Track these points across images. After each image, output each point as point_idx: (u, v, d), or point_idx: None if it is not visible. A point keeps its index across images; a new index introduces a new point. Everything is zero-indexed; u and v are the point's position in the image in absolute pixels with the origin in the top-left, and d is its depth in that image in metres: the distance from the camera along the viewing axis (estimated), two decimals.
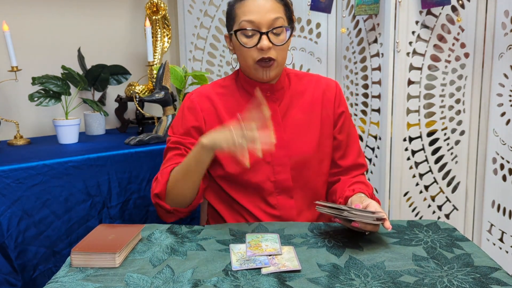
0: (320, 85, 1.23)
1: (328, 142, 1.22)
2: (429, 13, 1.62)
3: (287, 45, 1.13)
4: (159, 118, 1.76)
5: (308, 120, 1.19)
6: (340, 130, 1.23)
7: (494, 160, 1.65)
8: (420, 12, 1.61)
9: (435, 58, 1.66)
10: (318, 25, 1.86)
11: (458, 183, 1.76)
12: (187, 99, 1.20)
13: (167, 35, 2.02)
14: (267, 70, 1.11)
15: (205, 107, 1.18)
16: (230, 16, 1.14)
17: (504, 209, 1.60)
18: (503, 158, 1.59)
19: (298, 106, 1.20)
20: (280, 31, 1.09)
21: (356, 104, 1.84)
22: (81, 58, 1.85)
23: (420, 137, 1.70)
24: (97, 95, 1.94)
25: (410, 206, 1.75)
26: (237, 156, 0.97)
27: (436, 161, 1.74)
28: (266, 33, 1.07)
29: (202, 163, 1.06)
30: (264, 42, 1.07)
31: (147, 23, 1.81)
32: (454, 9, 1.62)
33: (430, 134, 1.72)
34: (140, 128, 1.86)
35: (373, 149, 1.78)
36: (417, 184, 1.73)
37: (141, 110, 1.80)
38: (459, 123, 1.72)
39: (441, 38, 1.65)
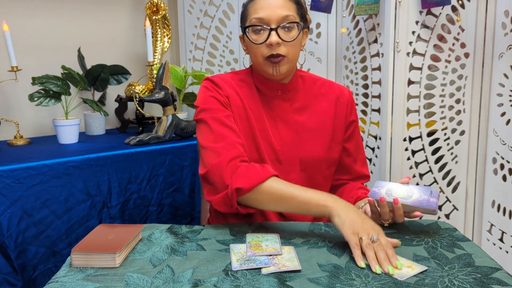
0: (334, 90, 1.24)
1: (338, 148, 1.23)
2: (429, 13, 1.61)
3: (298, 42, 1.13)
4: (159, 118, 1.76)
5: (320, 124, 1.20)
6: (348, 139, 1.25)
7: (494, 160, 1.64)
8: (420, 12, 1.61)
9: (435, 58, 1.66)
10: (318, 25, 1.86)
11: (458, 183, 1.76)
12: (209, 80, 1.16)
13: (167, 35, 2.02)
14: (277, 66, 1.10)
15: (229, 91, 1.15)
16: (243, 16, 1.14)
17: (504, 209, 1.60)
18: (503, 158, 1.59)
19: (311, 110, 1.20)
20: (290, 27, 1.09)
21: (356, 104, 1.84)
22: (81, 58, 1.85)
23: (420, 137, 1.70)
24: (97, 95, 1.94)
25: None
26: (353, 248, 0.87)
27: (436, 161, 1.74)
28: (276, 29, 1.07)
29: (309, 214, 0.98)
30: (273, 37, 1.07)
31: (147, 23, 1.81)
32: (454, 9, 1.62)
33: (430, 134, 1.72)
34: (140, 128, 1.86)
35: (373, 149, 1.78)
36: (417, 184, 1.73)
37: (141, 110, 1.79)
38: (459, 123, 1.72)
39: (441, 38, 1.65)
